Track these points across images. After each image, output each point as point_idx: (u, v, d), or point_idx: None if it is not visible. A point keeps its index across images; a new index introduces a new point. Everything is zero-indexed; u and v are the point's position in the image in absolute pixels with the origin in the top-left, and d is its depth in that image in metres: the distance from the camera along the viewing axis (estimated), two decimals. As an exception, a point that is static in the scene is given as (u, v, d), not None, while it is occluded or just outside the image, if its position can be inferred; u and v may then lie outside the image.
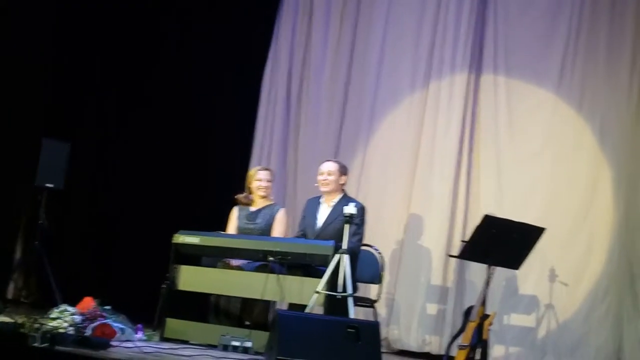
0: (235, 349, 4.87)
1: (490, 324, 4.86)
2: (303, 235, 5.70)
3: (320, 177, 5.68)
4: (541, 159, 6.26)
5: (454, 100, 6.55)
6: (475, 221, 5.56)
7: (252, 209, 5.88)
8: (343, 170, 5.71)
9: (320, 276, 4.97)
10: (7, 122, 6.89)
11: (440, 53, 6.66)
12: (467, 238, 5.48)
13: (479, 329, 4.78)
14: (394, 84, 6.87)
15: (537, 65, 6.38)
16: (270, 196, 5.96)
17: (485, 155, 6.45)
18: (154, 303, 5.51)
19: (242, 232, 5.78)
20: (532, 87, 6.40)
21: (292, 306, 5.28)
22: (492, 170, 6.39)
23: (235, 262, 5.58)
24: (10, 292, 7.01)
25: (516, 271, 5.75)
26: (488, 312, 4.97)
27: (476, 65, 6.56)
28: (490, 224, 4.97)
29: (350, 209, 5.07)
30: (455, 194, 6.41)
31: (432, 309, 6.33)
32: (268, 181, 5.89)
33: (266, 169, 6.01)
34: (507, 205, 6.14)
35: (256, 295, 5.28)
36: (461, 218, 6.36)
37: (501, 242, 4.97)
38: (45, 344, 3.96)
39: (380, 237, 6.33)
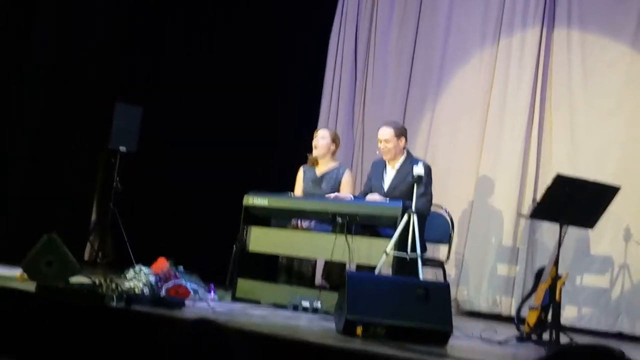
0: (305, 309, 4.92)
1: (563, 284, 4.79)
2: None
3: (379, 145, 5.57)
4: (616, 116, 6.08)
5: (526, 57, 6.40)
6: (546, 181, 5.44)
7: (318, 172, 5.86)
8: (399, 133, 5.51)
9: (388, 237, 4.97)
10: (82, 86, 7.04)
11: (511, 7, 6.49)
12: (538, 198, 5.38)
13: (551, 289, 4.70)
14: (463, 41, 6.75)
15: (613, 18, 6.16)
16: (330, 156, 5.88)
17: (558, 113, 6.30)
18: (226, 263, 5.60)
19: (308, 195, 5.80)
20: (607, 41, 6.19)
21: (360, 267, 5.30)
22: (565, 129, 6.24)
23: (304, 223, 5.62)
24: (86, 254, 7.22)
25: (589, 231, 5.63)
26: (560, 272, 4.89)
27: (549, 20, 6.38)
28: (562, 183, 4.86)
29: (419, 169, 5.02)
30: (526, 153, 6.30)
31: (502, 269, 6.28)
32: (323, 138, 5.84)
33: (325, 129, 5.98)
34: (580, 165, 6.00)
35: (325, 257, 5.32)
36: (532, 178, 6.26)
37: (574, 202, 4.85)
38: (122, 304, 4.06)
39: (450, 198, 6.28)
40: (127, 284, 4.60)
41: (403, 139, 5.52)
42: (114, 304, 4.03)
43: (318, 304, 4.91)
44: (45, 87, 6.79)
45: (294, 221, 5.68)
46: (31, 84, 6.74)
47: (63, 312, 4.06)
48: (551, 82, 6.37)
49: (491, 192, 6.37)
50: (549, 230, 5.93)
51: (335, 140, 5.89)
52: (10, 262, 5.33)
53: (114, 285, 4.20)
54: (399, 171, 5.52)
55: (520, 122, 6.33)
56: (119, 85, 7.30)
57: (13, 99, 6.66)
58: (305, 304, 4.94)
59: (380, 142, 5.52)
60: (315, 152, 5.83)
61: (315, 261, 5.93)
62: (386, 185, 5.54)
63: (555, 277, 4.77)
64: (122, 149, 6.94)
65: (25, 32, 6.67)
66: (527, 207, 6.05)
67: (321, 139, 5.82)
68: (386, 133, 5.50)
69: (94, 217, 7.44)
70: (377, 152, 5.62)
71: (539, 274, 4.91)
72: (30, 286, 4.37)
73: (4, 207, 6.60)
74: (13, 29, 6.65)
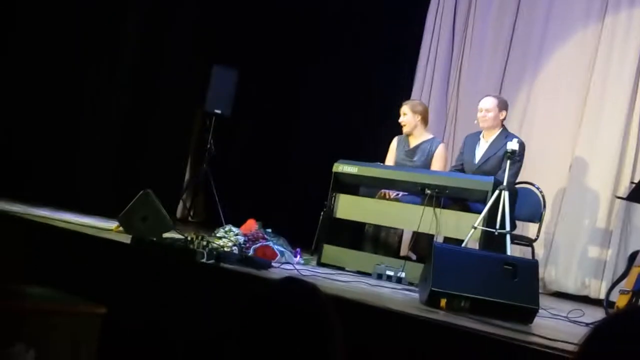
0: (389, 278, 4.93)
1: (657, 270, 4.64)
2: (460, 170, 5.64)
3: (479, 114, 5.56)
4: None
5: (631, 36, 6.18)
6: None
7: (411, 144, 5.84)
8: (502, 106, 5.55)
9: (478, 212, 4.92)
10: (180, 49, 7.17)
11: (619, -17, 6.27)
12: (636, 180, 5.22)
13: (644, 274, 4.57)
14: (566, 17, 6.56)
15: None
16: (421, 128, 5.82)
17: (662, 95, 6.07)
18: (313, 229, 5.66)
19: (400, 166, 5.79)
20: None
21: (447, 240, 5.27)
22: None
23: (393, 193, 5.62)
24: (178, 212, 7.41)
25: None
26: (655, 258, 4.74)
27: (658, -2, 6.14)
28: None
29: (512, 145, 4.96)
30: (626, 135, 6.11)
31: (593, 252, 6.13)
32: (404, 114, 5.78)
33: (407, 102, 5.91)
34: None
35: (412, 228, 5.31)
36: (631, 160, 6.07)
37: (674, 186, 4.69)
38: (211, 261, 4.15)
39: (543, 175, 6.16)
40: (217, 242, 4.70)
41: (504, 112, 5.53)
42: (204, 260, 4.13)
43: (402, 274, 4.91)
44: (144, 49, 6.95)
45: (382, 191, 5.69)
46: (130, 47, 6.90)
47: (155, 264, 4.19)
48: (657, 63, 6.14)
49: (587, 173, 6.21)
50: (645, 214, 5.76)
51: (417, 111, 5.78)
52: (109, 215, 5.53)
53: (204, 243, 4.31)
54: (492, 144, 5.48)
55: (621, 103, 6.13)
56: (216, 48, 7.41)
57: (112, 61, 6.84)
58: (390, 273, 4.94)
59: (481, 111, 5.52)
60: (404, 130, 5.82)
61: (402, 232, 5.92)
62: (477, 157, 5.52)
63: (650, 262, 4.63)
64: (217, 111, 7.07)
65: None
66: (624, 189, 5.88)
67: (402, 116, 5.80)
68: (489, 102, 5.53)
69: (187, 176, 7.62)
70: (475, 122, 5.58)
71: (632, 258, 4.78)
72: (125, 238, 4.53)
73: (106, 165, 6.83)
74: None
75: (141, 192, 5.04)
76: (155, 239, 4.56)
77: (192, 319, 3.87)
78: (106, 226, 5.14)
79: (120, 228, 4.98)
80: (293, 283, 1.80)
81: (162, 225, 4.93)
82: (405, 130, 5.80)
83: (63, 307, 3.22)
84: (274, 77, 7.69)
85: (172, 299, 4.00)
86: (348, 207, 5.50)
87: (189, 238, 4.36)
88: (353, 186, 5.64)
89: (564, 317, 4.37)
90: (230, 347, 1.74)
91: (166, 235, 4.83)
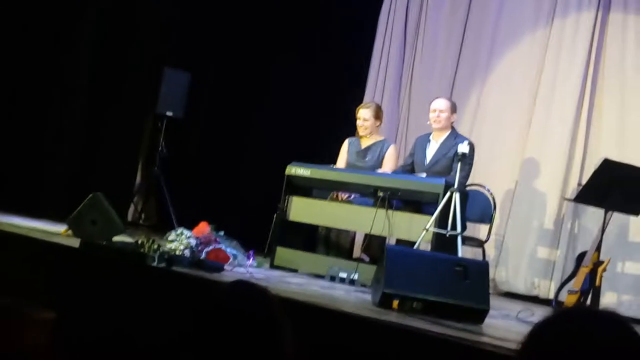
0: (342, 280, 4.94)
1: (604, 270, 4.74)
2: (410, 170, 5.68)
3: (432, 115, 5.62)
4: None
5: (579, 40, 6.29)
6: (593, 165, 5.38)
7: (363, 145, 5.87)
8: (454, 108, 5.69)
9: (429, 214, 4.96)
10: (131, 51, 7.09)
11: (567, -11, 6.38)
12: (584, 182, 5.32)
13: (592, 274, 4.67)
14: (516, 21, 6.65)
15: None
16: (377, 132, 5.89)
17: (609, 97, 6.19)
18: (266, 231, 5.64)
19: (351, 168, 5.81)
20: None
21: (399, 242, 5.31)
22: (615, 114, 6.13)
23: (344, 195, 5.63)
24: (129, 215, 7.32)
25: (632, 218, 5.55)
26: (602, 258, 4.84)
27: (605, 3, 6.25)
28: (609, 168, 4.80)
29: (463, 147, 5.01)
30: (574, 137, 6.22)
31: (542, 252, 6.22)
32: (365, 120, 5.82)
33: (367, 107, 5.94)
34: (629, 150, 5.90)
35: (365, 230, 5.32)
36: (579, 162, 6.18)
37: (620, 187, 4.80)
38: (163, 265, 4.12)
39: (493, 177, 6.23)
40: (169, 246, 4.66)
41: (455, 115, 5.69)
42: (155, 264, 4.09)
43: (355, 276, 4.93)
44: (95, 52, 6.85)
45: (333, 193, 5.70)
46: (81, 50, 6.80)
47: (105, 269, 4.14)
48: (604, 66, 6.26)
49: (536, 175, 6.30)
50: (592, 215, 5.86)
51: (377, 115, 5.88)
52: (57, 218, 5.44)
53: (155, 246, 4.27)
54: (442, 145, 5.55)
55: (570, 105, 6.24)
56: (167, 51, 7.34)
57: (64, 63, 6.74)
58: (343, 275, 4.96)
59: (434, 111, 5.59)
60: (361, 133, 5.84)
61: (354, 234, 5.94)
62: (428, 159, 5.58)
63: (597, 262, 4.74)
64: (169, 114, 7.01)
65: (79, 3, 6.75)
66: (571, 191, 5.98)
67: (364, 121, 5.82)
68: (443, 103, 5.63)
69: (138, 179, 7.52)
70: (428, 122, 5.64)
71: (580, 258, 4.88)
72: (74, 242, 4.46)
73: (54, 167, 6.71)
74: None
75: (90, 195, 4.97)
76: (105, 242, 4.50)
77: (144, 323, 3.82)
78: (55, 230, 5.06)
79: (69, 232, 4.90)
80: (243, 287, 1.79)
81: (112, 229, 4.87)
82: (363, 132, 5.83)
83: (11, 313, 3.16)
84: (227, 79, 7.64)
85: (123, 303, 3.95)
86: (301, 209, 5.50)
87: (139, 241, 4.31)
88: (306, 189, 5.65)
89: (514, 316, 4.43)
90: (181, 352, 1.72)
91: (116, 238, 4.78)
